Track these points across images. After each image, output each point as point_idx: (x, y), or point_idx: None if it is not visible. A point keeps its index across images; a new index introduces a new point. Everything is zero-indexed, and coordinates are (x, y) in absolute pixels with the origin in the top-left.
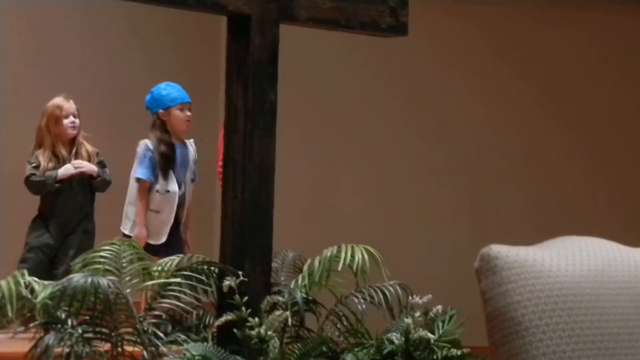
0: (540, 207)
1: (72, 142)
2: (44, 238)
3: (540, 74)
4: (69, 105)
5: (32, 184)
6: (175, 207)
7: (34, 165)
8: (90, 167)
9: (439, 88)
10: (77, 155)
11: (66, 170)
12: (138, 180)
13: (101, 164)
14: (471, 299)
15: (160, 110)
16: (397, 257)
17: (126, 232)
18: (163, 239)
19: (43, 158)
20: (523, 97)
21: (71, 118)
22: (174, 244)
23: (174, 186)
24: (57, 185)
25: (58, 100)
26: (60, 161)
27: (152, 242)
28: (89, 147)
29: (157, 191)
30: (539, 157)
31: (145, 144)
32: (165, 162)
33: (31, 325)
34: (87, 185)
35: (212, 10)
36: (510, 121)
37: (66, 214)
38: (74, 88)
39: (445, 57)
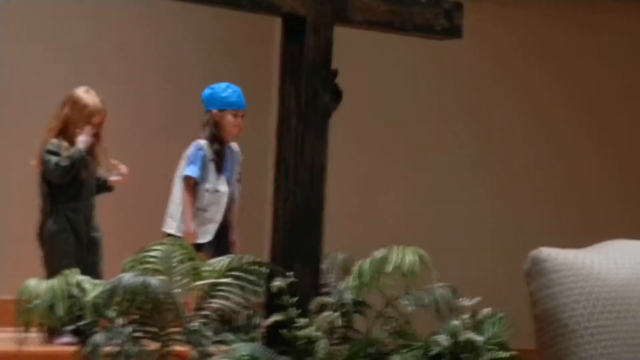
0: (583, 212)
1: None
2: (71, 240)
3: (579, 79)
4: (100, 116)
5: (62, 169)
6: (223, 207)
7: (56, 151)
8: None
9: (483, 92)
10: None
11: (86, 142)
12: (185, 177)
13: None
14: (520, 302)
15: (215, 110)
16: (446, 260)
17: (171, 232)
18: (209, 237)
19: (63, 147)
20: (563, 103)
21: (95, 129)
22: (222, 243)
23: (223, 186)
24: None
25: (94, 101)
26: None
27: (198, 240)
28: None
29: (207, 190)
30: (579, 161)
31: (199, 144)
32: (219, 160)
33: (80, 324)
34: (94, 188)
35: (266, 11)
36: (550, 125)
37: (84, 206)
38: (122, 89)
39: (489, 60)
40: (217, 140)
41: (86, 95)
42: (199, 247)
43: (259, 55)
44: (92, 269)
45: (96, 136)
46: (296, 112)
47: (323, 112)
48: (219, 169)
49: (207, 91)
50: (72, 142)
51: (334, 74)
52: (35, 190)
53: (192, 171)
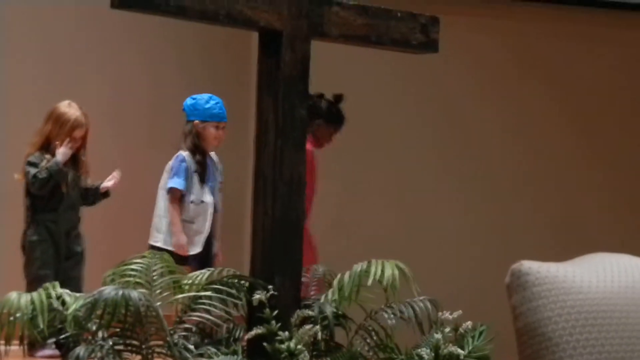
0: (568, 224)
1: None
2: (51, 252)
3: (566, 90)
4: (82, 130)
5: (40, 180)
6: (209, 217)
7: (36, 162)
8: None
9: (467, 103)
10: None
11: (64, 154)
12: (170, 190)
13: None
14: (501, 315)
15: (197, 121)
16: (426, 273)
17: (158, 245)
18: (198, 249)
19: (45, 160)
20: (549, 113)
21: (79, 141)
22: (204, 255)
23: (208, 196)
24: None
25: (76, 115)
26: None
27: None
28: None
29: (192, 202)
30: (566, 173)
31: (181, 156)
32: (202, 171)
33: (62, 337)
34: (79, 199)
35: (243, 25)
36: (536, 137)
37: (65, 219)
38: (100, 100)
39: (473, 72)
40: (199, 150)
41: (68, 109)
42: (184, 259)
43: (238, 67)
44: (72, 282)
45: (79, 149)
46: (274, 126)
47: (301, 126)
48: (202, 180)
49: (189, 101)
50: (54, 156)
51: (339, 99)
52: (20, 202)
53: (177, 183)
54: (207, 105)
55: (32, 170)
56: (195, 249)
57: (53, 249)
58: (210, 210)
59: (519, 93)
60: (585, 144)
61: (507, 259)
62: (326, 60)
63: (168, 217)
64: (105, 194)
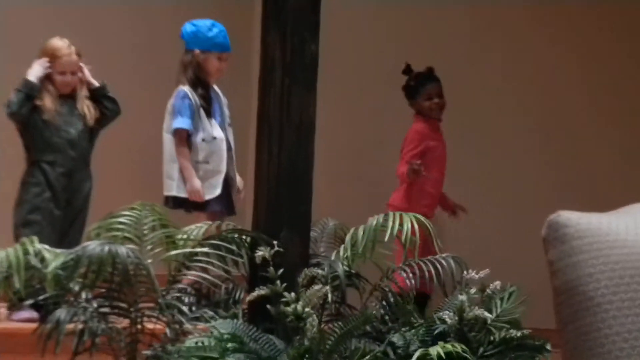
0: (604, 175)
1: (69, 96)
2: (46, 197)
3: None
4: (69, 59)
5: (11, 103)
6: (224, 153)
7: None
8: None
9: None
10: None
11: (34, 70)
12: (176, 131)
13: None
14: (534, 274)
15: (197, 51)
16: (449, 227)
17: (172, 194)
18: (217, 191)
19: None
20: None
21: (68, 76)
22: (227, 196)
23: (218, 131)
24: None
25: (58, 44)
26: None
27: (205, 196)
28: (89, 103)
29: (203, 140)
30: (591, 126)
31: (182, 91)
32: (206, 105)
33: (41, 298)
34: (80, 115)
35: None
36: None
37: (63, 158)
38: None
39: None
40: (201, 83)
41: (55, 40)
42: (203, 205)
43: None
44: (70, 237)
45: (75, 88)
46: (281, 62)
47: (311, 63)
48: (209, 115)
49: (188, 27)
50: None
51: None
52: None
53: (183, 122)
54: (210, 34)
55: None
56: (215, 192)
57: (50, 194)
58: (224, 147)
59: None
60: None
61: (543, 210)
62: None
63: (178, 161)
64: (101, 90)
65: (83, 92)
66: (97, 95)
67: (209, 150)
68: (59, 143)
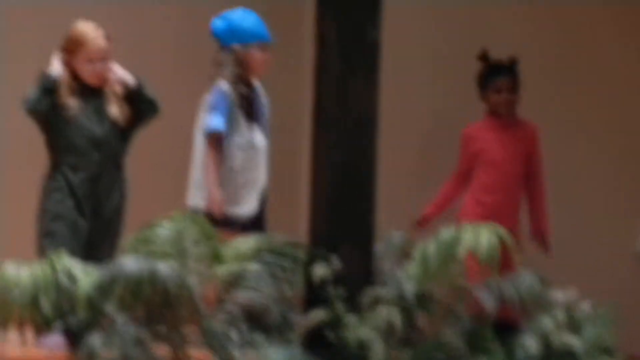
0: None
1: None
2: (68, 204)
3: None
4: (97, 44)
5: (29, 101)
6: (263, 165)
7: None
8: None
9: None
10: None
11: (57, 63)
12: (210, 133)
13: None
14: (629, 293)
15: (236, 45)
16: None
17: (198, 205)
18: (248, 208)
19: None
20: None
21: (98, 65)
22: (259, 217)
23: (260, 138)
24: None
25: (83, 28)
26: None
27: (233, 211)
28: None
29: (239, 146)
30: None
31: (220, 89)
32: (248, 106)
33: (72, 322)
34: (108, 113)
35: None
36: None
37: (87, 161)
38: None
39: None
40: (244, 81)
41: (80, 24)
42: (234, 221)
43: None
44: (97, 251)
45: (101, 78)
46: (337, 49)
47: (371, 50)
48: (251, 117)
49: (219, 23)
50: (74, 81)
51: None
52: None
53: (217, 123)
54: (246, 24)
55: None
56: (247, 207)
57: (72, 202)
58: (264, 156)
59: None
60: None
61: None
62: None
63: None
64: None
65: (114, 88)
66: (133, 96)
67: (246, 157)
68: (81, 144)
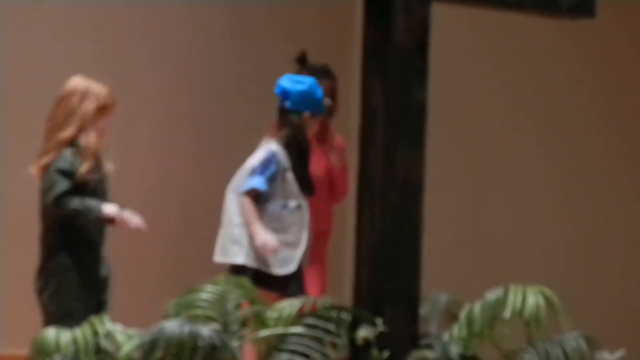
0: None
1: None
2: (85, 281)
3: None
4: (113, 108)
5: (66, 209)
6: (307, 227)
7: (68, 171)
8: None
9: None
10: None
11: (114, 211)
12: (249, 191)
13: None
14: None
15: (307, 114)
16: (580, 301)
17: (240, 262)
18: (290, 268)
19: (82, 160)
20: None
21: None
22: (300, 278)
23: (302, 199)
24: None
25: (105, 90)
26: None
27: (276, 270)
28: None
29: (286, 207)
30: None
31: (271, 153)
32: (302, 169)
33: None
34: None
35: None
36: None
37: (101, 240)
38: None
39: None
40: (301, 147)
41: (93, 83)
42: (274, 281)
43: (336, 37)
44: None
45: (103, 134)
46: (384, 113)
47: (419, 114)
48: (305, 175)
49: (296, 87)
50: (87, 151)
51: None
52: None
53: (259, 183)
54: (318, 95)
55: (61, 187)
56: (287, 268)
57: (89, 275)
58: (307, 217)
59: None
60: None
61: None
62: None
63: (245, 219)
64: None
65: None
66: None
67: (291, 219)
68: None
